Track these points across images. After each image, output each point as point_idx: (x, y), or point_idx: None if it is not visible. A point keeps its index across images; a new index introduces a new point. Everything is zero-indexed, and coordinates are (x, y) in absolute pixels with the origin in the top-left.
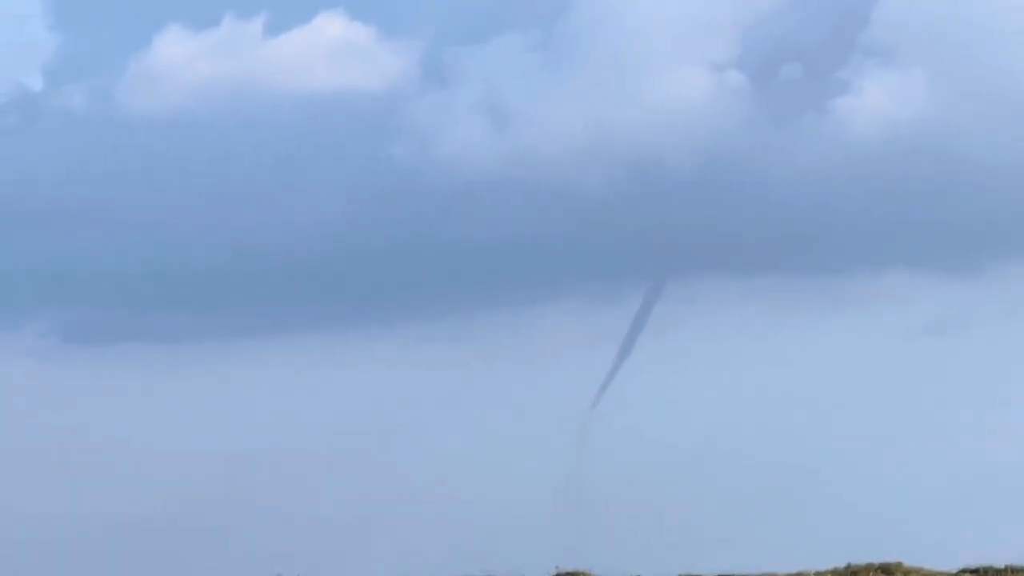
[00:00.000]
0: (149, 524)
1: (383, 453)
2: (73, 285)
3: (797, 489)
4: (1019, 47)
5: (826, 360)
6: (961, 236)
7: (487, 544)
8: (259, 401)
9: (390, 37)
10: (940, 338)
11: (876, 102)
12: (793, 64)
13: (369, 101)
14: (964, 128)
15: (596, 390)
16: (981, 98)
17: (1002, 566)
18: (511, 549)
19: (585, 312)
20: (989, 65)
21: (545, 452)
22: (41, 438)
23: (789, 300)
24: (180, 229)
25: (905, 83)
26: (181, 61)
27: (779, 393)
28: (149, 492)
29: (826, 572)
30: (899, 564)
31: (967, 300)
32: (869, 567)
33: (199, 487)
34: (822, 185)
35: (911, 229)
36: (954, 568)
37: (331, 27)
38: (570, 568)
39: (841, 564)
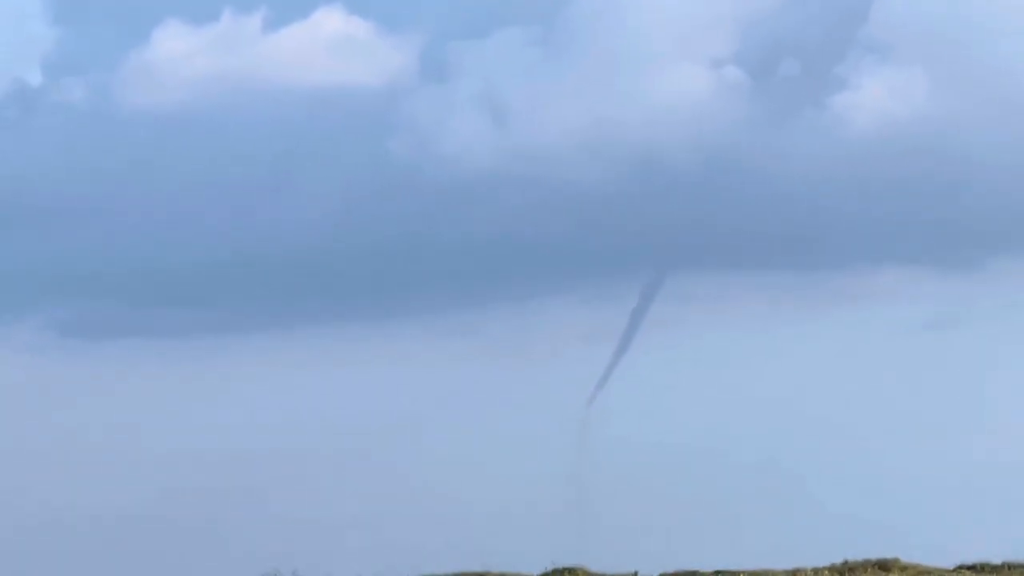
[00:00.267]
0: (145, 519)
1: (381, 449)
2: (71, 280)
3: (795, 485)
4: (1017, 44)
5: (824, 356)
6: (959, 232)
7: (484, 540)
8: (256, 397)
9: (389, 32)
10: (938, 334)
11: (875, 99)
12: (792, 60)
13: (368, 96)
14: (962, 124)
15: (593, 386)
16: (979, 94)
17: (999, 563)
18: (508, 545)
19: (585, 308)
20: (987, 62)
21: (544, 448)
22: (38, 433)
23: (787, 296)
24: (178, 224)
25: (904, 80)
26: (180, 56)
27: (777, 389)
28: (146, 488)
29: (823, 569)
30: (896, 561)
31: (965, 296)
32: (866, 564)
33: (196, 483)
34: (820, 181)
35: (910, 225)
36: (951, 565)
37: (330, 22)
38: (566, 564)
39: (838, 561)
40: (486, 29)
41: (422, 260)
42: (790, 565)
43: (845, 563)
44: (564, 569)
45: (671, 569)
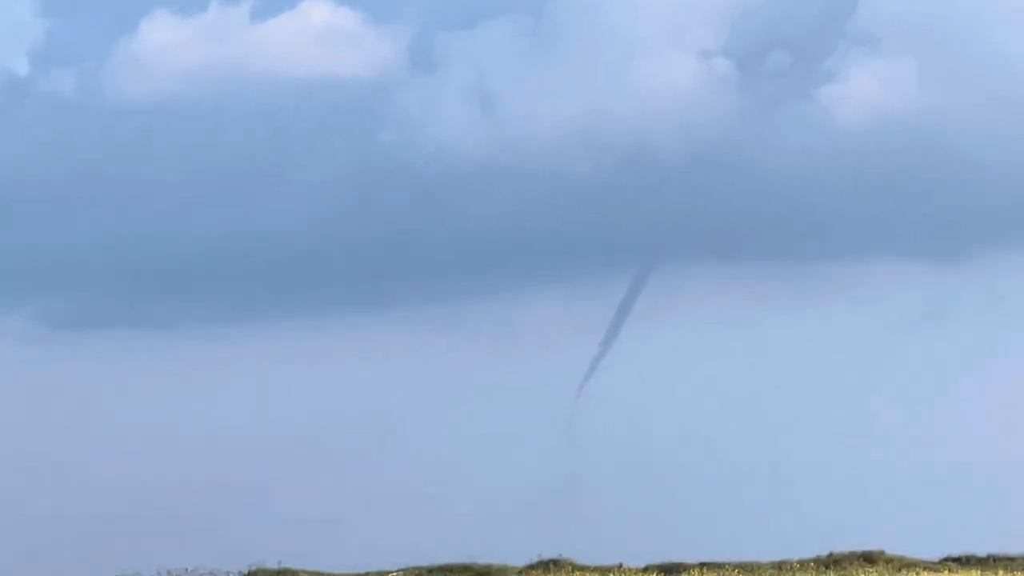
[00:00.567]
0: (133, 510)
1: (368, 441)
2: (60, 271)
3: (781, 478)
4: (1006, 36)
5: (813, 348)
6: (948, 224)
7: (469, 532)
8: (245, 388)
9: (378, 22)
10: (927, 326)
11: (863, 90)
12: (781, 53)
13: (357, 87)
14: (951, 116)
15: (580, 378)
16: (968, 86)
17: (984, 555)
18: (493, 537)
19: (573, 300)
20: (976, 54)
21: (531, 440)
22: (27, 424)
23: (776, 288)
24: (167, 215)
25: (892, 72)
26: (168, 46)
27: (766, 381)
28: (134, 478)
29: (809, 560)
30: (881, 553)
31: (955, 289)
32: (852, 556)
33: (186, 475)
34: (809, 173)
35: (898, 217)
36: (937, 557)
37: (318, 12)
38: (551, 556)
39: (824, 553)
40: (475, 20)
41: (410, 250)
42: (776, 557)
43: (831, 555)
44: (549, 561)
45: (656, 561)
